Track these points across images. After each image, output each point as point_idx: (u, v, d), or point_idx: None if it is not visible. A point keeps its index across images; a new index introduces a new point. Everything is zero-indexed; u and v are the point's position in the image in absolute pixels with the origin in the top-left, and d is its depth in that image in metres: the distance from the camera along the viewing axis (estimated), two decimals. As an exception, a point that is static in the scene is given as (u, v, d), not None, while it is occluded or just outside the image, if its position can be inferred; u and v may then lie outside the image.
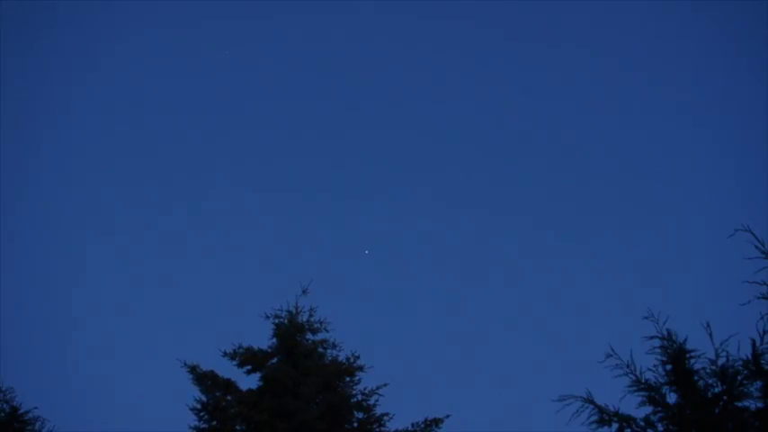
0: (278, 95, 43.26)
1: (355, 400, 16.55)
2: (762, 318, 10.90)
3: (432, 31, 43.21)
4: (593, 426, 11.48)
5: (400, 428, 16.46)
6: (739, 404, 10.96)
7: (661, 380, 11.50)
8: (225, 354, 16.81)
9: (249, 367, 16.76)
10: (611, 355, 11.77)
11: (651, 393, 11.46)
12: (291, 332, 16.93)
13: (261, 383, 16.48)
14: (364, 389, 16.70)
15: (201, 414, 16.20)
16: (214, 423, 16.04)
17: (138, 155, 41.82)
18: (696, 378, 11.29)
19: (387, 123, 43.43)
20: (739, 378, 10.97)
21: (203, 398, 16.30)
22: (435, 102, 43.28)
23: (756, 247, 10.92)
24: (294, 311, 17.31)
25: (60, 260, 34.57)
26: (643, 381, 11.57)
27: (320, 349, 17.11)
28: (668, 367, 11.50)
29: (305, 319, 17.26)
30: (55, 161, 38.55)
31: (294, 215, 40.45)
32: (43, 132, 37.68)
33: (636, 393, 11.57)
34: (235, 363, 16.76)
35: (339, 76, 42.69)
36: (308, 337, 17.19)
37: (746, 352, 10.99)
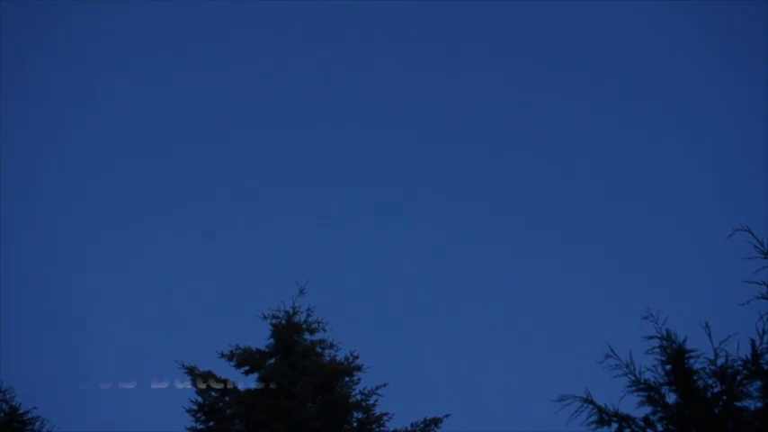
0: (275, 97, 43.26)
1: (354, 400, 16.55)
2: (761, 318, 10.91)
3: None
4: (593, 426, 11.48)
5: (399, 428, 16.47)
6: (739, 404, 10.95)
7: (660, 380, 11.50)
8: (222, 355, 16.83)
9: (247, 368, 16.77)
10: (611, 356, 11.77)
11: (651, 393, 11.46)
12: (289, 332, 16.94)
13: (259, 384, 16.49)
14: (363, 389, 16.74)
15: (198, 415, 16.23)
16: (211, 424, 16.07)
17: (137, 155, 41.80)
18: (695, 378, 11.28)
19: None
20: (739, 378, 10.96)
21: (199, 398, 16.31)
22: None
23: (755, 246, 10.93)
24: (291, 311, 17.33)
25: (60, 260, 34.56)
26: (642, 381, 11.57)
27: (318, 349, 17.12)
28: (668, 367, 11.50)
29: (302, 320, 17.29)
30: (55, 162, 38.55)
31: (293, 215, 40.42)
32: (44, 133, 37.71)
33: (635, 393, 11.58)
34: (233, 363, 16.78)
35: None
36: (305, 336, 17.19)
37: (746, 352, 11.00)
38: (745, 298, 10.78)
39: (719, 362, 11.16)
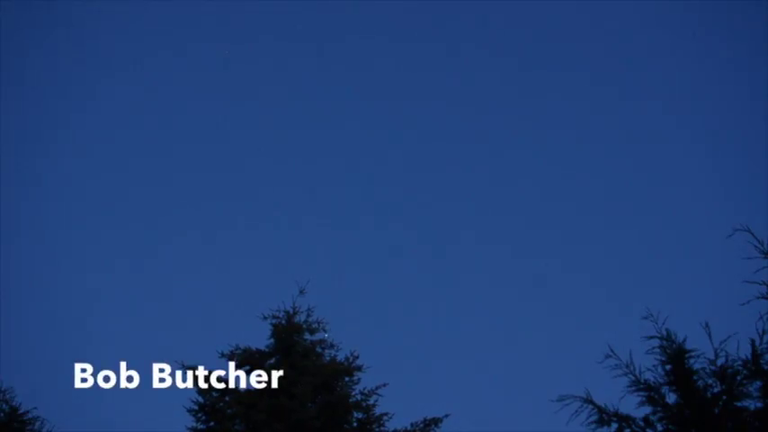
0: (275, 97, 43.27)
1: (354, 400, 16.56)
2: (761, 318, 10.91)
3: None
4: (593, 426, 11.48)
5: (399, 428, 16.48)
6: (739, 404, 10.95)
7: (660, 380, 11.50)
8: (222, 355, 16.83)
9: (247, 368, 16.78)
10: (611, 356, 11.77)
11: (650, 393, 11.46)
12: (289, 332, 16.96)
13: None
14: (363, 389, 16.74)
15: (199, 415, 16.26)
16: (212, 424, 16.10)
17: (137, 155, 41.79)
18: (695, 378, 11.28)
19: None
20: (738, 378, 10.96)
21: (200, 398, 16.34)
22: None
23: (755, 246, 10.93)
24: (291, 312, 17.34)
25: (60, 260, 34.58)
26: (642, 381, 11.57)
27: (318, 349, 17.14)
28: (667, 367, 11.50)
29: (303, 320, 17.30)
30: (56, 162, 38.58)
31: (294, 215, 40.43)
32: (44, 133, 37.73)
33: (635, 393, 11.58)
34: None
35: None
36: (305, 336, 17.21)
37: (746, 352, 11.01)
38: (745, 298, 10.78)
39: (719, 362, 11.16)
